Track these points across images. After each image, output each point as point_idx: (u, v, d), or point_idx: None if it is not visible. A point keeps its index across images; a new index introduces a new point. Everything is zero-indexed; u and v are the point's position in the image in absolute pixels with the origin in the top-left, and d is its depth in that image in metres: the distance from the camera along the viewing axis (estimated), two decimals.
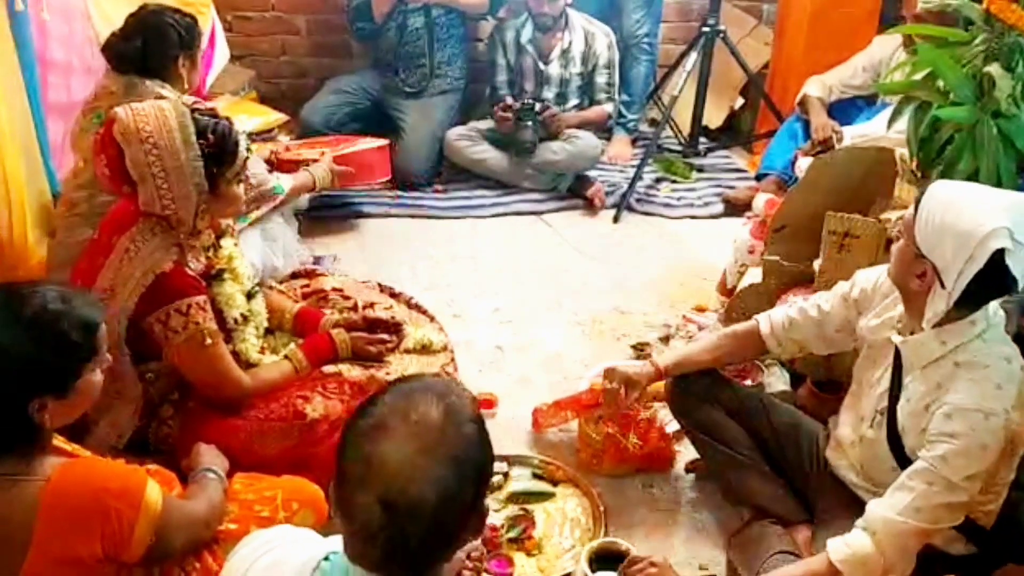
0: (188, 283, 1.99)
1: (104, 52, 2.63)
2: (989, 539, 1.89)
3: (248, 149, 2.06)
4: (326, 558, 1.19)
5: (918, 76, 2.37)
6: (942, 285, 1.68)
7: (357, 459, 1.10)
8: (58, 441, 1.55)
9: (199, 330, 1.98)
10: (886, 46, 3.56)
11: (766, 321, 2.15)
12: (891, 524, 1.71)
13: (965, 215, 1.65)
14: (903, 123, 2.55)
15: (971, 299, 1.68)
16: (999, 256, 1.60)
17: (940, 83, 2.32)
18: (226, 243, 2.18)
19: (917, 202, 1.73)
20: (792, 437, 2.15)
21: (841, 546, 1.75)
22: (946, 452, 1.68)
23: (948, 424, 1.69)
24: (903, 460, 1.84)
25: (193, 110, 1.99)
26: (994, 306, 1.77)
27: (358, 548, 1.13)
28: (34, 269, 2.65)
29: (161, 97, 2.35)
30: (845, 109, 3.74)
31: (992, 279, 1.63)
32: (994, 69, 2.21)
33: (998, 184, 2.34)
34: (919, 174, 2.55)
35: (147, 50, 2.56)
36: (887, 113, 2.76)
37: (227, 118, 2.05)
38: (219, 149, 1.96)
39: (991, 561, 1.96)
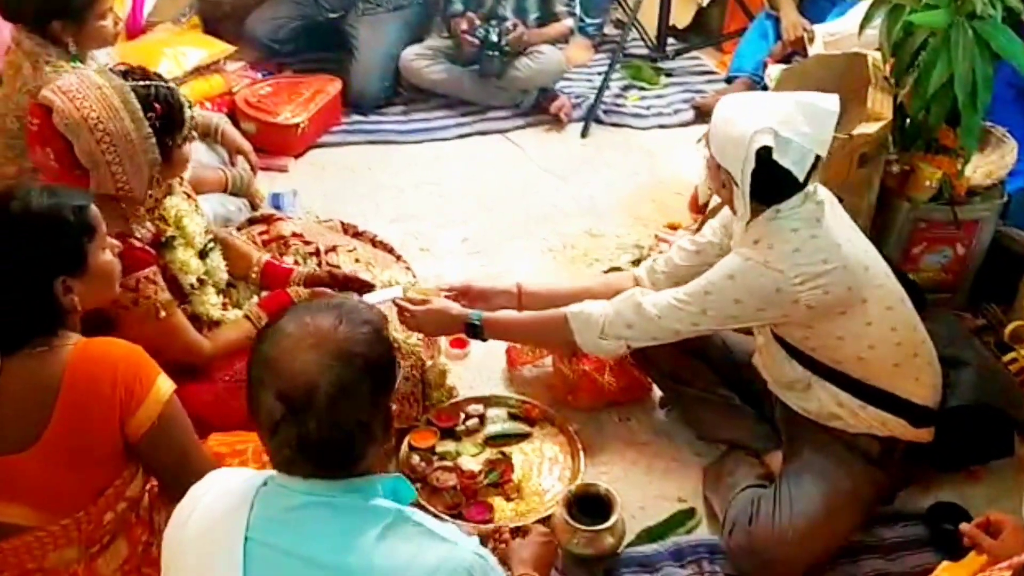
0: (135, 256, 1.90)
1: None
2: (938, 420, 1.96)
3: (189, 105, 1.95)
4: (264, 483, 1.23)
5: None
6: (738, 187, 1.81)
7: (257, 362, 1.18)
8: None
9: (151, 304, 1.91)
10: None
11: (642, 268, 2.20)
12: (628, 303, 1.93)
13: (738, 122, 1.78)
14: (875, 27, 2.45)
15: (767, 195, 1.81)
16: (767, 154, 1.72)
17: None
18: (173, 201, 2.08)
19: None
20: (752, 366, 2.15)
21: (578, 306, 1.98)
22: (706, 276, 1.88)
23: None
24: (793, 352, 1.95)
25: (124, 75, 1.87)
26: (810, 192, 1.84)
27: (273, 451, 1.19)
28: None
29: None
30: (817, 3, 3.60)
31: (768, 175, 1.75)
32: None
33: (974, 90, 2.26)
34: (893, 81, 2.46)
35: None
36: (861, 8, 2.65)
37: (156, 75, 1.93)
38: (168, 118, 1.87)
39: (953, 447, 2.02)
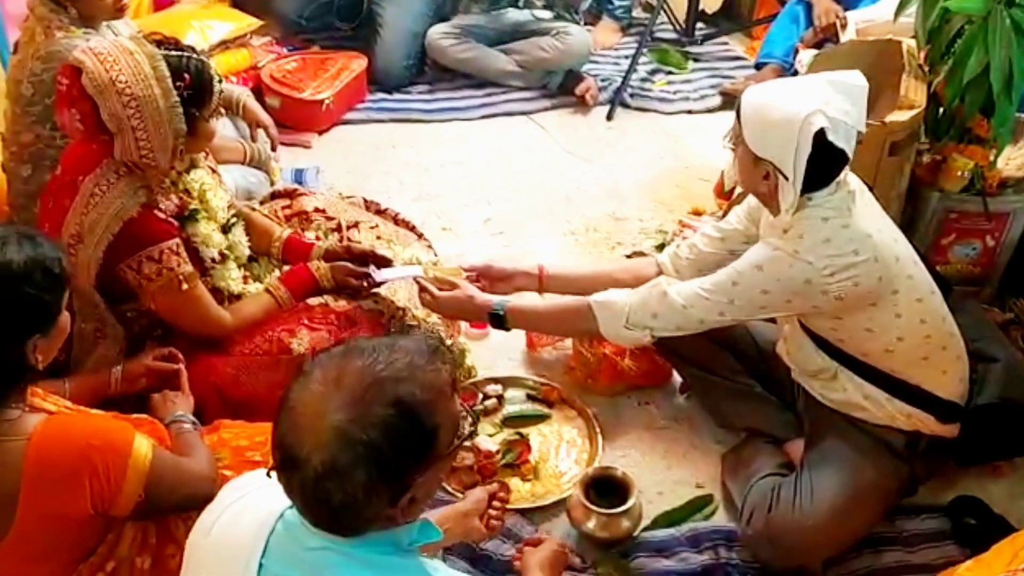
0: (158, 227, 1.91)
1: None
2: (965, 416, 1.94)
3: (219, 80, 1.94)
4: (291, 505, 1.17)
5: None
6: (785, 178, 1.76)
7: (283, 397, 1.12)
8: (37, 398, 1.51)
9: (174, 275, 1.91)
10: None
11: (665, 254, 2.17)
12: (654, 292, 1.91)
13: (781, 108, 1.74)
14: (911, 14, 2.41)
15: (814, 180, 1.77)
16: (821, 135, 1.70)
17: None
18: (197, 175, 2.08)
19: (737, 111, 1.82)
20: (775, 354, 2.13)
21: (603, 295, 1.96)
22: (733, 266, 1.87)
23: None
24: (820, 342, 1.93)
25: (158, 44, 1.86)
26: (841, 180, 1.81)
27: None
28: None
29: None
30: None
31: (823, 158, 1.73)
32: None
33: (1010, 79, 2.22)
34: (927, 69, 2.42)
35: None
36: None
37: (190, 47, 1.92)
38: (197, 89, 1.86)
39: (977, 443, 1.99)
